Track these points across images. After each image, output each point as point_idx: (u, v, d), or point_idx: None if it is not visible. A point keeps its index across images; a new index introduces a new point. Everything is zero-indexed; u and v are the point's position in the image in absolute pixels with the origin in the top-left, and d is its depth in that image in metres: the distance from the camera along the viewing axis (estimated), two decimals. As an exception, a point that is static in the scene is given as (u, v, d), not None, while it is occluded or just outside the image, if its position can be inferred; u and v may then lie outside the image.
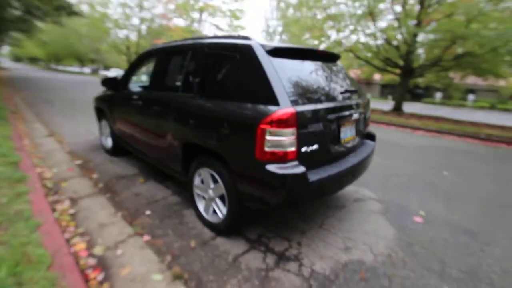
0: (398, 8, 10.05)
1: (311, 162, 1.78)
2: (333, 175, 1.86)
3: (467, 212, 2.85)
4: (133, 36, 25.36)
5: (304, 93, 1.80)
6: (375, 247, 2.13)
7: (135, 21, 23.39)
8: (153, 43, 24.03)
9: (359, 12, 9.73)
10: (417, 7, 9.46)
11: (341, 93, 2.12)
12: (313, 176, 1.73)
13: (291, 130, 1.63)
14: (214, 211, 2.20)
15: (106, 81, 3.31)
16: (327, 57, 2.32)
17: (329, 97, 1.98)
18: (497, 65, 9.40)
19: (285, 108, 1.62)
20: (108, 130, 3.88)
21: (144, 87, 3.31)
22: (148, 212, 2.48)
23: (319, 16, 11.95)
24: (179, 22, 22.52)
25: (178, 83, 2.44)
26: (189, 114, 2.14)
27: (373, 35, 10.47)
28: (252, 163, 1.69)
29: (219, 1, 19.12)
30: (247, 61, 1.82)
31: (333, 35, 12.03)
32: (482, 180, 3.93)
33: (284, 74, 1.75)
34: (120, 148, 3.78)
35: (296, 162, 1.68)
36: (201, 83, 2.13)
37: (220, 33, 21.14)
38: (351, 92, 2.25)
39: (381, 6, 9.64)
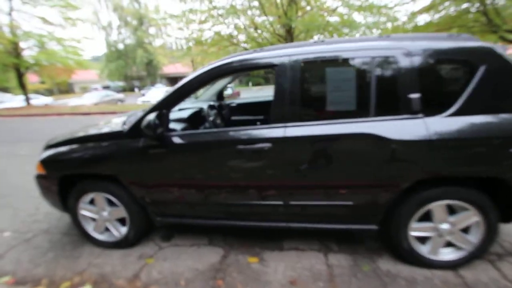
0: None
1: None
2: None
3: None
4: None
5: None
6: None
7: None
8: None
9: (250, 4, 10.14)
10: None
11: None
12: None
13: None
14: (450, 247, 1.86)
15: (149, 126, 1.76)
16: None
17: None
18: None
19: None
20: (110, 211, 2.18)
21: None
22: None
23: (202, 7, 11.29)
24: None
25: (354, 105, 1.72)
26: (427, 142, 1.59)
27: (264, 27, 11.24)
28: None
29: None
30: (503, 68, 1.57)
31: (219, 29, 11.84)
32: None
33: None
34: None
35: None
36: (428, 99, 1.62)
37: (50, 28, 15.53)
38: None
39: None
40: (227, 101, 3.44)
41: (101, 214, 2.22)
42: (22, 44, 14.60)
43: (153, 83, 34.85)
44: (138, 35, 33.71)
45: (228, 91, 3.79)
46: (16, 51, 14.26)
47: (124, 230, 2.23)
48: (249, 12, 11.62)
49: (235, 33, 12.84)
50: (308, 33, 12.16)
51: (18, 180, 3.89)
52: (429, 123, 1.61)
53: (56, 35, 15.23)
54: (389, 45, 1.68)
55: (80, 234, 2.39)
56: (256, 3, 11.09)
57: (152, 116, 1.73)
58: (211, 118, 2.41)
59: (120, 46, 35.48)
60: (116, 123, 2.45)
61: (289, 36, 11.87)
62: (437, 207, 1.75)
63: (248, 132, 1.82)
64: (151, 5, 32.67)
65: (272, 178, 1.82)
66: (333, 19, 12.44)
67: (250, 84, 32.68)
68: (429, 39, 1.70)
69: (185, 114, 2.39)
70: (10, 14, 14.11)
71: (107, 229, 2.28)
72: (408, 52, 1.63)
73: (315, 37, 12.54)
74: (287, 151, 1.75)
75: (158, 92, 20.26)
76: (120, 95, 21.43)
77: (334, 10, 12.47)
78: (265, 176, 1.83)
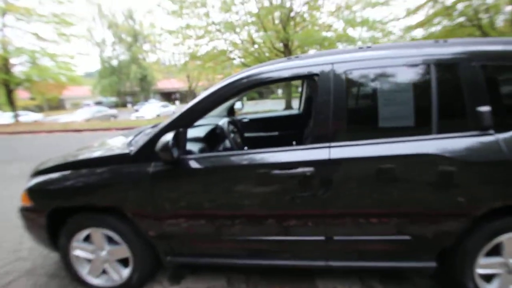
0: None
1: None
2: None
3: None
4: None
5: None
6: None
7: None
8: None
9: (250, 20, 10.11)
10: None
11: None
12: None
13: None
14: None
15: (167, 148, 1.43)
16: None
17: None
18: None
19: None
20: (110, 250, 1.81)
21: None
22: None
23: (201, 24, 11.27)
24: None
25: (412, 121, 1.45)
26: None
27: (262, 42, 11.23)
28: None
29: (34, 2, 13.47)
30: None
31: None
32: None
33: None
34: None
35: None
36: (498, 112, 1.37)
37: (43, 44, 15.20)
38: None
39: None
40: (238, 117, 3.17)
41: (98, 254, 1.84)
42: (13, 60, 14.23)
43: (146, 99, 34.52)
44: (132, 51, 33.67)
45: (238, 106, 3.52)
46: (6, 67, 13.85)
47: (126, 272, 1.85)
48: (246, 28, 11.68)
49: (232, 48, 12.85)
50: (303, 48, 12.25)
51: (2, 205, 3.45)
52: (503, 141, 1.35)
53: (49, 51, 14.94)
54: (450, 50, 1.44)
55: (70, 277, 1.99)
56: (253, 19, 11.16)
57: (169, 137, 1.42)
58: (231, 136, 2.11)
59: (114, 62, 35.26)
60: (116, 143, 2.12)
61: (287, 50, 11.91)
62: (510, 239, 1.46)
63: (284, 154, 1.51)
64: (146, 22, 32.80)
65: (313, 209, 1.51)
66: (329, 34, 12.60)
67: (245, 98, 32.80)
68: (495, 44, 1.48)
69: (198, 132, 2.08)
70: (2, 30, 13.83)
71: (104, 272, 1.90)
72: (473, 58, 1.40)
73: (311, 51, 12.65)
74: (332, 176, 1.45)
75: (152, 108, 19.93)
76: (113, 111, 21.04)
77: (329, 26, 12.65)
78: (305, 206, 1.51)
